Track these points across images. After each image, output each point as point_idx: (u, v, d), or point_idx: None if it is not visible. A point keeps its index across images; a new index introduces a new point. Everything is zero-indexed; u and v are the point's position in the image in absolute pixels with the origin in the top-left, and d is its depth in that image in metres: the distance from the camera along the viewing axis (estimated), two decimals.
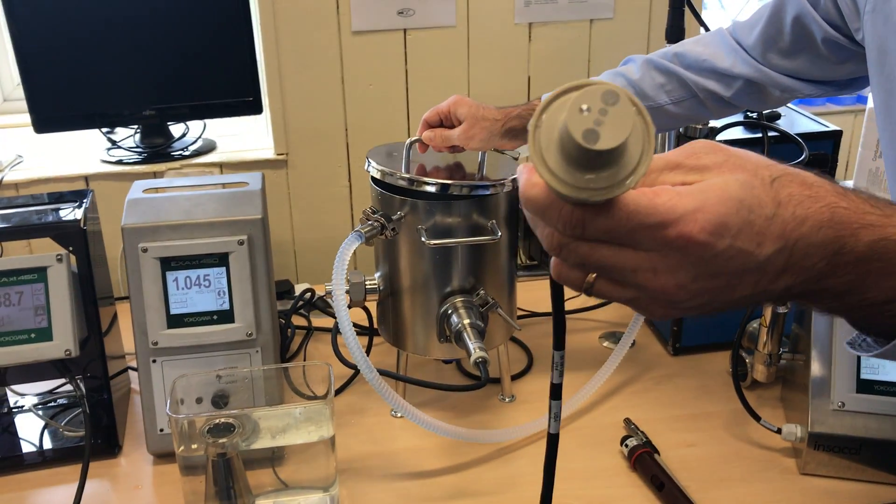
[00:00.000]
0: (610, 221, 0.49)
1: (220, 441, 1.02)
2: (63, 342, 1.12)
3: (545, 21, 1.72)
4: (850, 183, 1.51)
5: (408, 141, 1.25)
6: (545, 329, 1.55)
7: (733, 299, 0.53)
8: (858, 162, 1.48)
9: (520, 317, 1.52)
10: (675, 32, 1.27)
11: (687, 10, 1.27)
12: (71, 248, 1.14)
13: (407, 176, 1.16)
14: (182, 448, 1.04)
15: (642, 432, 1.22)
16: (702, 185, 0.50)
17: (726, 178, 0.50)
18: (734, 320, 1.37)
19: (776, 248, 0.50)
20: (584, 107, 0.45)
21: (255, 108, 1.70)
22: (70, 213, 1.18)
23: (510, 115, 1.24)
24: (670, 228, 0.49)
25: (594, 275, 0.54)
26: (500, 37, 1.71)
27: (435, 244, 1.13)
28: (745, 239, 0.50)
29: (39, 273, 1.12)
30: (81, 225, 1.14)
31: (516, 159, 1.32)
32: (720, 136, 1.31)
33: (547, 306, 1.58)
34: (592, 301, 1.59)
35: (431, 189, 1.14)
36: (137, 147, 1.74)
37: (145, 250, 1.12)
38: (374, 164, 1.20)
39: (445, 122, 1.26)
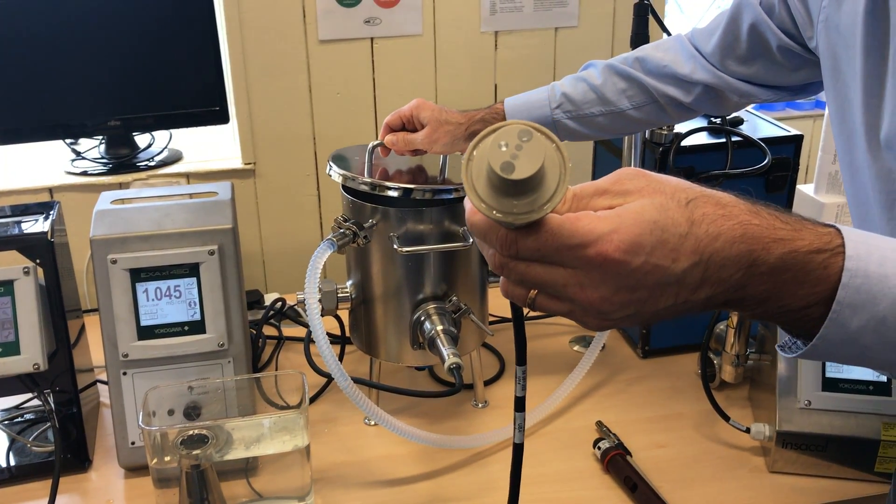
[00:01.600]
0: (537, 242, 0.56)
1: (194, 453, 1.02)
2: (31, 356, 1.11)
3: (511, 29, 1.74)
4: (811, 186, 1.54)
5: (370, 145, 1.25)
6: (511, 334, 1.56)
7: (658, 309, 0.58)
8: (818, 166, 1.51)
9: (491, 322, 1.53)
10: (640, 40, 1.29)
11: (651, 17, 1.29)
12: (38, 261, 1.12)
13: (369, 181, 1.16)
14: (155, 461, 1.03)
15: (614, 434, 1.23)
16: (620, 210, 0.56)
17: (644, 201, 0.56)
18: (702, 322, 1.39)
19: (691, 263, 0.55)
20: (503, 143, 0.53)
21: (222, 118, 1.69)
22: (37, 225, 1.16)
23: (473, 119, 1.25)
24: (590, 248, 0.55)
25: (535, 291, 0.59)
26: (466, 45, 1.73)
27: (407, 251, 1.13)
28: (659, 255, 0.55)
29: (6, 286, 1.11)
30: (49, 237, 1.13)
31: None
32: (686, 142, 1.33)
33: (505, 308, 1.60)
34: None
35: (394, 193, 1.15)
36: (102, 158, 1.72)
37: (114, 262, 1.11)
38: (335, 168, 1.20)
39: (408, 125, 1.26)
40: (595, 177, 1.58)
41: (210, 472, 1.04)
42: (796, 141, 1.36)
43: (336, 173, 1.20)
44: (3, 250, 1.13)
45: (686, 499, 1.13)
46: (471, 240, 1.16)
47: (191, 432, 1.04)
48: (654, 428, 1.28)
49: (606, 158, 1.51)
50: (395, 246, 1.13)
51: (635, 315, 0.58)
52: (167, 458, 1.04)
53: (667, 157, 1.31)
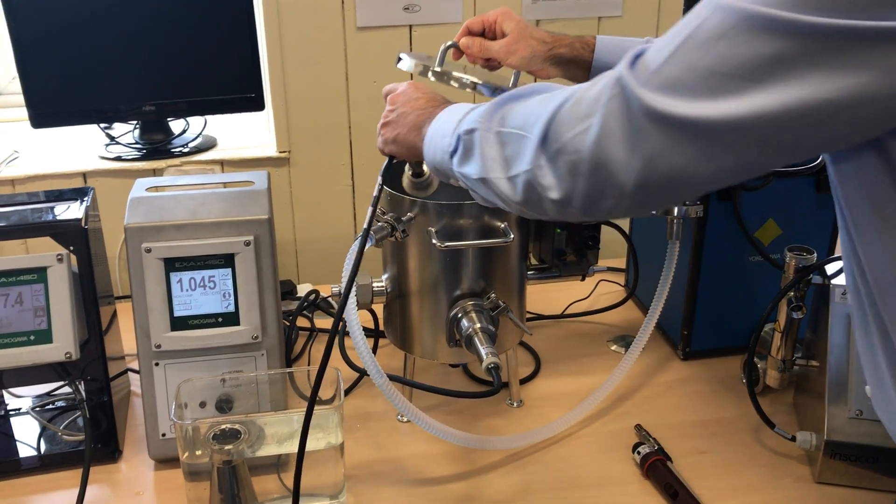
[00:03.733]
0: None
1: (226, 448, 1.00)
2: (63, 344, 1.09)
3: (553, 18, 1.69)
4: None
5: (443, 46, 1.18)
6: (553, 332, 1.53)
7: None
8: None
9: (528, 319, 1.49)
10: None
11: None
12: (72, 248, 1.11)
13: (439, 70, 1.13)
14: (186, 454, 1.01)
15: (654, 439, 1.20)
16: None
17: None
18: (745, 325, 1.36)
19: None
20: None
21: (258, 105, 1.67)
22: (70, 211, 1.14)
23: (561, 42, 1.20)
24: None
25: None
26: None
27: (447, 247, 1.10)
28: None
29: (39, 273, 1.09)
30: (83, 224, 1.11)
31: None
32: None
33: (555, 309, 1.57)
34: (600, 304, 1.58)
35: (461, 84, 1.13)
36: (137, 143, 1.71)
37: (149, 250, 1.09)
38: (406, 57, 1.17)
39: (488, 32, 1.20)
40: None
41: (242, 467, 1.02)
42: None
43: (407, 61, 1.17)
44: (37, 237, 1.12)
45: None
46: (511, 235, 1.13)
47: (223, 427, 1.02)
48: (696, 433, 1.25)
49: None
50: (435, 241, 1.10)
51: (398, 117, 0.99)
52: (198, 452, 1.02)
53: None
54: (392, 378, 1.08)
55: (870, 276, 0.74)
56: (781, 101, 0.61)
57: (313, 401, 0.95)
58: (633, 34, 1.72)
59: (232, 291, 1.12)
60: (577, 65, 1.22)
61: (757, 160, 0.66)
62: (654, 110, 0.65)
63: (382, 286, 1.22)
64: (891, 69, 0.58)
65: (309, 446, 0.99)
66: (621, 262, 1.67)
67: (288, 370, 1.17)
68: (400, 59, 1.19)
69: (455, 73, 1.13)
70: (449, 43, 1.19)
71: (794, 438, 1.17)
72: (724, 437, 1.24)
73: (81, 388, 1.14)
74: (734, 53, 0.62)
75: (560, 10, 1.68)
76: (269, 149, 1.71)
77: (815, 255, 1.19)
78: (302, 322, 1.51)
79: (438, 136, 0.89)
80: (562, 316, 1.56)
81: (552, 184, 0.74)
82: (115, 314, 1.32)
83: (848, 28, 0.58)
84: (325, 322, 1.53)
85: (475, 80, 1.12)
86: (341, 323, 0.98)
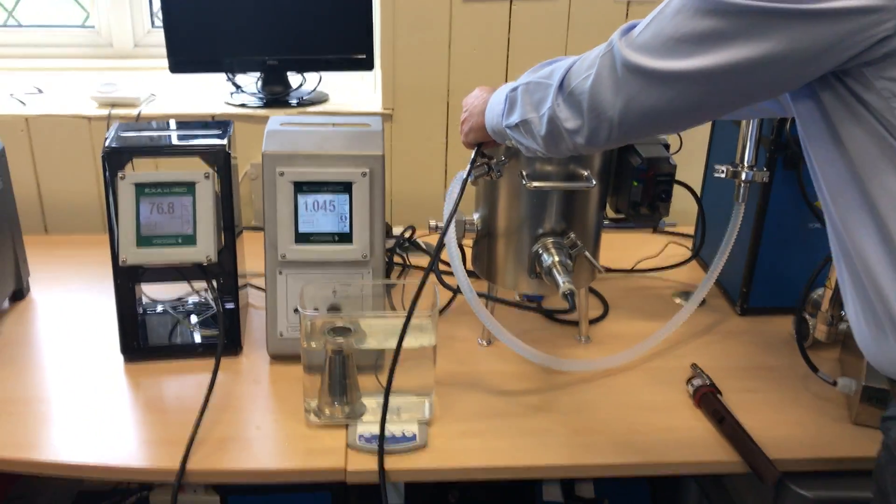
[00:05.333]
0: None
1: (338, 340, 1.18)
2: (205, 249, 1.30)
3: (643, 0, 1.83)
4: None
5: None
6: (623, 284, 1.68)
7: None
8: None
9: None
10: None
11: None
12: (216, 168, 1.31)
13: None
14: (305, 344, 1.20)
15: (707, 375, 1.34)
16: None
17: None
18: (799, 287, 1.48)
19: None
20: None
21: (368, 65, 1.85)
22: (216, 138, 1.34)
23: None
24: None
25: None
26: (598, 12, 1.83)
27: (536, 186, 1.27)
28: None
29: (189, 187, 1.29)
30: (227, 149, 1.31)
31: None
32: None
33: (625, 264, 1.71)
34: (669, 262, 1.72)
35: None
36: (259, 93, 1.91)
37: (282, 174, 1.28)
38: None
39: None
40: (711, 144, 1.67)
41: (350, 360, 1.20)
42: None
43: None
44: (188, 156, 1.32)
45: (770, 437, 1.22)
46: (593, 182, 1.29)
47: (337, 324, 1.20)
48: (746, 375, 1.38)
49: (727, 128, 1.60)
50: (524, 181, 1.26)
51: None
52: (314, 344, 1.21)
53: (784, 125, 1.40)
54: (480, 295, 1.25)
55: (827, 194, 0.94)
56: (715, 61, 0.83)
57: (415, 301, 1.12)
58: None
59: (348, 215, 1.30)
60: None
61: (705, 103, 0.89)
62: (631, 63, 0.89)
63: (473, 223, 1.39)
64: (794, 38, 0.80)
65: (408, 344, 1.16)
66: (691, 229, 1.80)
67: (392, 281, 1.35)
68: None
69: None
70: None
71: (835, 383, 1.29)
72: (773, 381, 1.37)
73: (216, 286, 1.34)
74: (686, 26, 0.84)
75: None
76: (375, 105, 1.89)
77: None
78: (398, 262, 1.69)
79: (494, 104, 1.15)
80: (632, 270, 1.71)
81: (566, 116, 0.98)
82: (240, 239, 1.52)
83: (763, 8, 0.79)
84: (417, 260, 1.70)
85: None
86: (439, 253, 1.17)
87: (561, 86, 0.99)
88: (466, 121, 1.26)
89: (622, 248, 1.75)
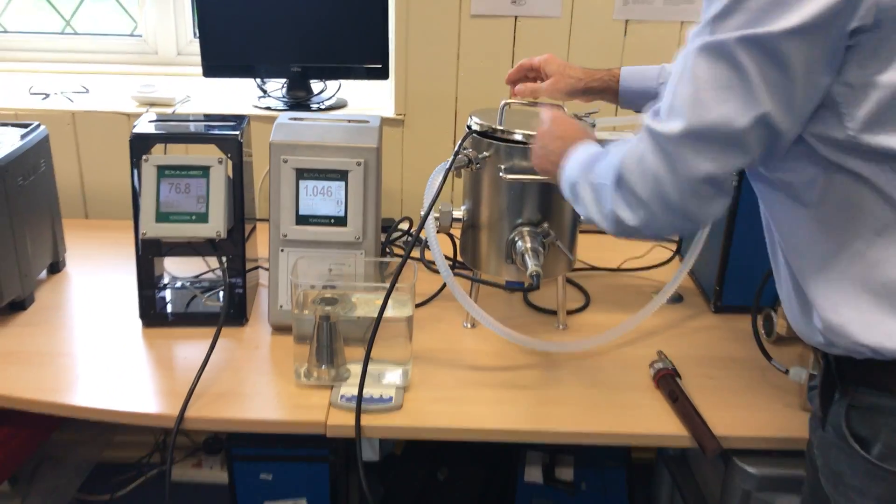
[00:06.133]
0: None
1: (327, 308, 1.32)
2: (215, 225, 1.45)
3: (640, 19, 1.95)
4: None
5: (503, 102, 1.51)
6: (606, 281, 1.79)
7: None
8: None
9: (581, 269, 1.78)
10: None
11: None
12: (229, 155, 1.46)
13: (500, 128, 1.43)
14: (297, 312, 1.34)
15: (670, 361, 1.44)
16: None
17: None
18: (771, 287, 1.56)
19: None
20: None
21: (384, 74, 2.01)
22: (230, 129, 1.50)
23: (592, 77, 1.49)
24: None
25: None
26: (598, 29, 1.96)
27: (511, 178, 1.40)
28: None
29: (204, 170, 1.45)
30: (239, 138, 1.47)
31: (593, 125, 1.57)
32: None
33: (606, 263, 1.82)
34: (650, 262, 1.83)
35: (519, 137, 1.41)
36: (283, 98, 2.08)
37: (286, 161, 1.43)
38: (475, 119, 1.48)
39: (530, 74, 1.53)
40: None
41: (336, 327, 1.34)
42: None
43: (475, 124, 1.48)
44: (205, 143, 1.49)
45: (720, 417, 1.31)
46: None
47: (326, 295, 1.34)
48: (709, 364, 1.48)
49: None
50: (501, 173, 1.39)
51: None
52: (306, 312, 1.35)
53: None
54: (458, 275, 1.38)
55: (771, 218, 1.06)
56: (744, 100, 0.89)
57: (397, 276, 1.26)
58: None
59: (343, 200, 1.45)
60: (608, 93, 1.51)
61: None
62: (671, 134, 0.93)
63: (461, 215, 1.52)
64: (802, 51, 0.86)
65: (387, 314, 1.30)
66: (676, 235, 1.90)
67: (380, 259, 1.48)
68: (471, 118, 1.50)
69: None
70: (504, 102, 1.49)
71: (787, 372, 1.39)
72: (733, 370, 1.47)
73: (224, 261, 1.49)
74: (701, 77, 0.90)
75: (647, 13, 1.94)
76: (388, 111, 2.05)
77: None
78: (399, 253, 1.83)
79: (562, 180, 1.17)
80: (617, 269, 1.83)
81: (627, 215, 1.00)
82: (254, 228, 1.67)
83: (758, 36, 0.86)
84: (416, 253, 1.84)
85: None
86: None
87: (616, 184, 1.00)
88: (539, 157, 1.27)
89: (611, 249, 1.87)
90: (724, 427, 1.29)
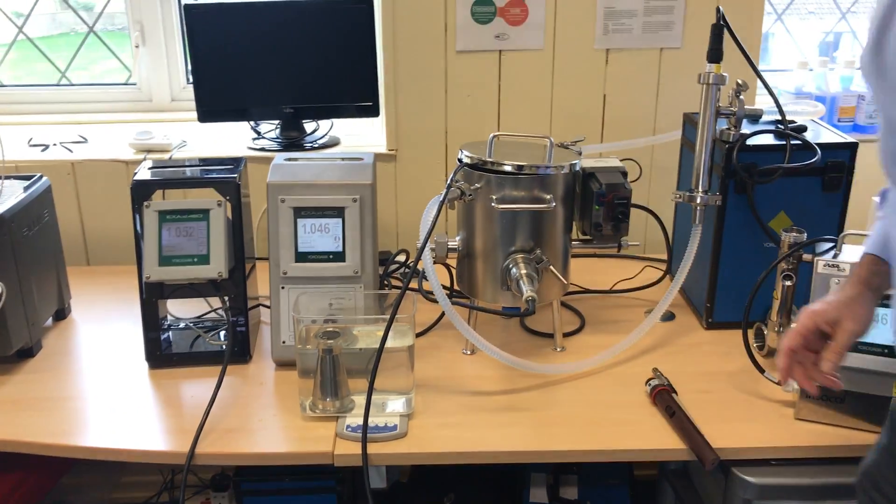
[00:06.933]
0: None
1: (329, 342, 1.36)
2: (217, 266, 1.49)
3: (620, 48, 2.02)
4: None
5: (491, 135, 1.55)
6: (600, 303, 1.83)
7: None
8: None
9: (574, 292, 1.82)
10: (715, 55, 1.53)
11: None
12: (228, 198, 1.51)
13: (490, 160, 1.48)
14: (300, 347, 1.38)
15: (665, 377, 1.48)
16: None
17: None
18: (760, 302, 1.60)
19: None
20: None
21: (374, 112, 2.06)
22: (228, 172, 1.55)
23: (871, 282, 1.18)
24: None
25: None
26: (580, 60, 2.02)
27: (502, 208, 1.44)
28: None
29: (204, 214, 1.50)
30: (237, 181, 1.51)
31: (579, 153, 1.62)
32: (750, 141, 1.57)
33: (599, 285, 1.87)
34: (642, 283, 1.87)
35: (508, 168, 1.46)
36: (277, 138, 2.13)
37: (283, 201, 1.48)
38: (465, 152, 1.53)
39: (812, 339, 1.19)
40: (680, 173, 1.83)
41: (339, 359, 1.37)
42: (851, 148, 1.57)
43: (466, 157, 1.52)
44: (204, 187, 1.53)
45: (717, 430, 1.35)
46: (553, 203, 1.46)
47: (328, 329, 1.38)
48: (703, 378, 1.52)
49: (688, 156, 1.76)
50: (493, 204, 1.44)
51: None
52: (309, 346, 1.38)
53: (731, 153, 1.55)
54: (455, 304, 1.42)
55: None
56: None
57: (397, 307, 1.30)
58: (692, 64, 2.03)
59: (341, 236, 1.49)
60: (879, 275, 1.19)
61: None
62: None
63: (456, 245, 1.56)
64: None
65: (388, 344, 1.33)
66: (665, 256, 1.95)
67: (379, 292, 1.52)
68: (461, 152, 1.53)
69: None
70: (493, 134, 1.51)
71: (779, 383, 1.42)
72: (726, 384, 1.51)
73: (227, 301, 1.53)
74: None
75: (627, 41, 2.01)
76: (380, 147, 2.10)
77: (806, 234, 1.46)
78: (397, 284, 1.87)
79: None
80: (610, 291, 1.87)
81: None
82: (254, 266, 1.71)
83: None
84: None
85: None
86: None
87: None
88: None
89: (602, 272, 1.91)
90: (722, 439, 1.33)
